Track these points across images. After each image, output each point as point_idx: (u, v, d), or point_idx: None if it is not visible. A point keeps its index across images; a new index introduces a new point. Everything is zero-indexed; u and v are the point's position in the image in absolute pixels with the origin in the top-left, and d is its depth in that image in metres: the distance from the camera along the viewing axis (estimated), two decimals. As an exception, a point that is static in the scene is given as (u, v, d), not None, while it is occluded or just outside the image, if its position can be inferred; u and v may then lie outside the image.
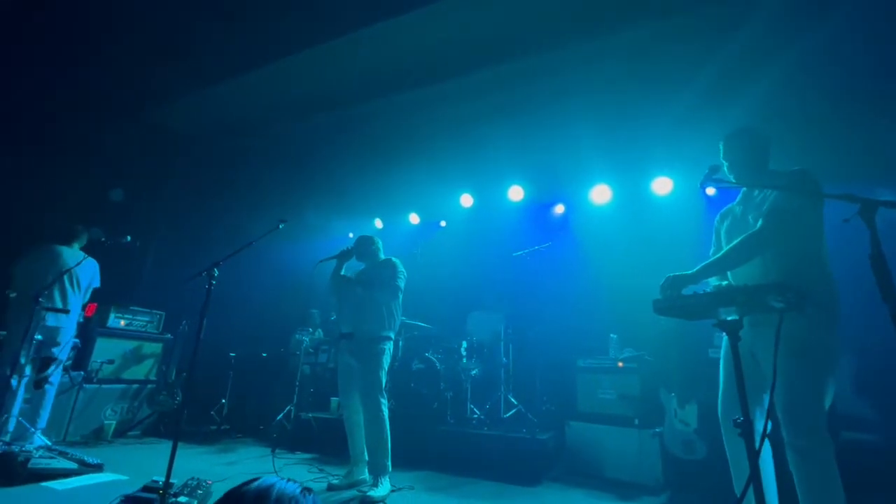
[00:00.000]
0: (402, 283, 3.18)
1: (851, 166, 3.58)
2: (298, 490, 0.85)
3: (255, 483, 0.85)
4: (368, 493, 2.71)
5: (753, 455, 1.43)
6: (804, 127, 3.65)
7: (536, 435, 3.46)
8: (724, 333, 1.57)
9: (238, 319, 5.91)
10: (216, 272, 2.41)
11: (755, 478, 1.40)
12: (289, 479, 0.87)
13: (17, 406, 3.45)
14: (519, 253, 4.66)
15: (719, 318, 1.59)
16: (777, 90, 3.65)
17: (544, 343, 4.43)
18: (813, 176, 1.77)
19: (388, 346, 3.10)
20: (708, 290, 1.66)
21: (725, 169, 2.02)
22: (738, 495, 1.49)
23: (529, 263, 4.58)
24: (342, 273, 3.27)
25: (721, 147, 2.05)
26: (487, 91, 4.57)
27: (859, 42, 3.35)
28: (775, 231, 1.73)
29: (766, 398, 1.76)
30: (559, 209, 5.45)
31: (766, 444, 1.71)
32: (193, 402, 4.99)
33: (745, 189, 2.04)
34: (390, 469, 2.90)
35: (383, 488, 2.79)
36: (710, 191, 4.38)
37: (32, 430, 3.45)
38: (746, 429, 1.46)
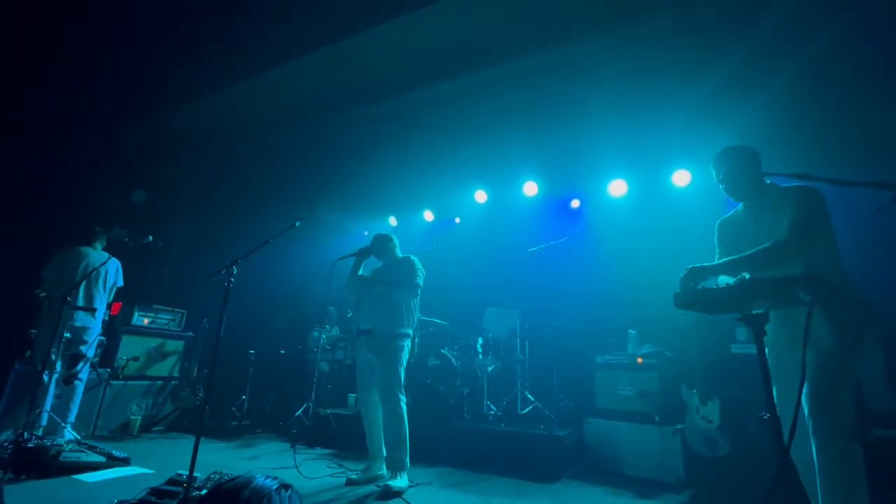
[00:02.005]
0: (421, 281, 3.19)
1: (871, 158, 3.45)
2: (275, 486, 0.86)
3: (235, 480, 0.86)
4: (387, 487, 2.73)
5: (782, 452, 1.39)
6: (821, 118, 3.54)
7: (554, 432, 3.43)
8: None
9: (257, 317, 6.02)
10: (235, 270, 2.45)
11: (783, 475, 1.37)
12: (268, 477, 0.87)
13: (49, 402, 3.59)
14: (534, 249, 4.62)
15: (744, 313, 1.55)
16: (797, 83, 3.54)
17: (561, 339, 4.38)
18: (821, 193, 1.85)
19: (407, 343, 3.12)
20: (723, 284, 1.63)
21: (723, 189, 2.06)
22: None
23: (545, 259, 4.54)
24: (360, 272, 3.30)
25: (714, 170, 2.07)
26: (501, 86, 4.53)
27: (881, 33, 3.22)
28: (801, 242, 1.78)
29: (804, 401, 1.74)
30: (575, 204, 5.38)
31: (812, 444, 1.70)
32: (215, 399, 5.10)
33: (744, 203, 2.08)
34: (408, 465, 2.92)
35: (401, 483, 2.81)
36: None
37: (63, 424, 3.58)
38: (775, 426, 1.43)
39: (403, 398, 3.00)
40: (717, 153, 2.05)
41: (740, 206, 2.12)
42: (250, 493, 0.83)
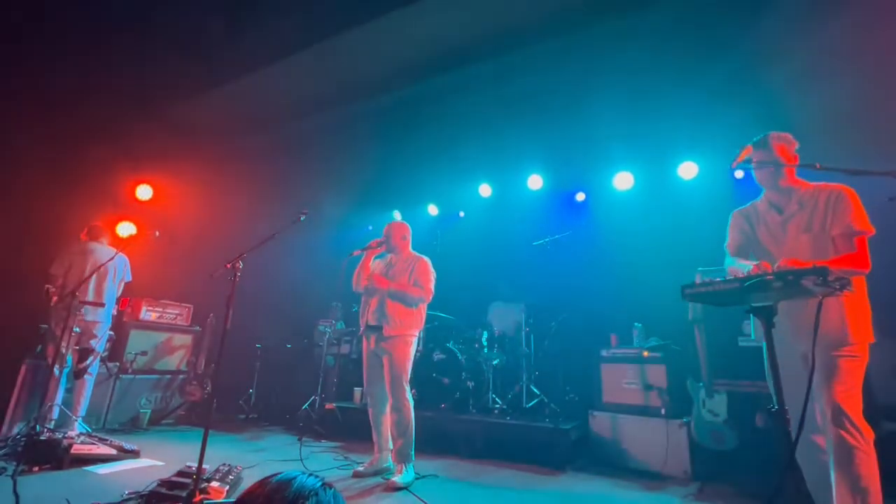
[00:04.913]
0: (434, 286, 3.20)
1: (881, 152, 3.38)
2: (319, 484, 0.86)
3: (278, 476, 0.86)
4: (393, 479, 2.76)
5: (789, 444, 1.38)
6: (829, 110, 3.47)
7: (559, 424, 3.44)
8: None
9: (263, 312, 6.05)
10: (241, 265, 2.46)
11: (790, 468, 1.37)
12: (311, 474, 0.88)
13: (60, 395, 3.64)
14: (539, 242, 4.61)
15: (752, 305, 1.54)
16: (806, 74, 3.47)
17: (566, 333, 4.38)
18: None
19: (415, 340, 3.14)
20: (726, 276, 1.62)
21: (754, 174, 2.01)
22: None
23: (550, 253, 4.52)
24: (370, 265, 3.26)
25: (755, 150, 1.99)
26: (505, 78, 4.49)
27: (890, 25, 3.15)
28: (866, 254, 1.76)
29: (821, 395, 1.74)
30: (580, 197, 5.34)
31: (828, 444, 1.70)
32: (222, 392, 5.14)
33: (769, 194, 2.04)
34: (414, 458, 2.94)
35: (408, 475, 2.83)
36: (739, 174, 4.23)
37: (74, 417, 3.63)
38: (781, 418, 1.42)
39: (410, 392, 3.01)
40: (762, 137, 1.97)
41: (759, 197, 2.10)
42: (295, 490, 0.83)
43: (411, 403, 2.98)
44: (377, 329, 3.08)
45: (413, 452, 2.93)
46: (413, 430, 2.94)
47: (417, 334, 3.18)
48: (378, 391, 3.10)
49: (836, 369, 1.69)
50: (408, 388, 3.00)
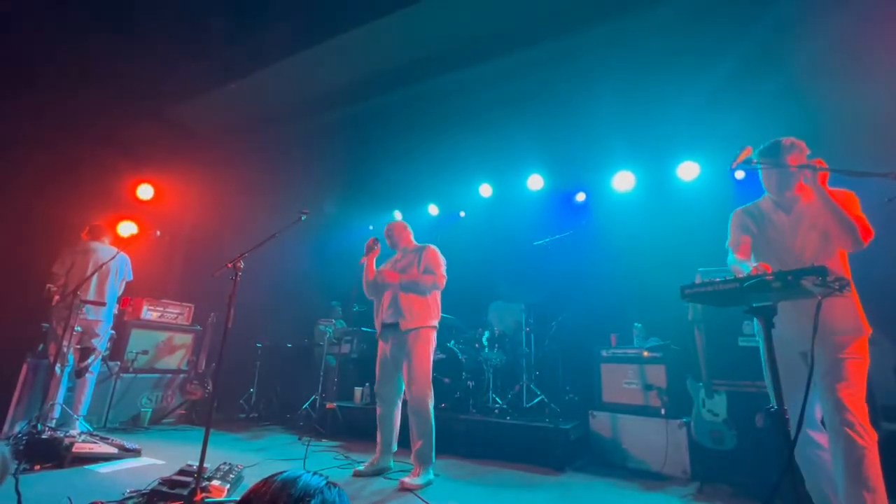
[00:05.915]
0: (445, 271, 3.15)
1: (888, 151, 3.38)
2: (323, 483, 0.86)
3: (282, 475, 0.86)
4: (408, 479, 2.72)
5: (788, 445, 1.38)
6: (831, 109, 3.47)
7: (559, 424, 3.44)
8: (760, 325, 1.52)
9: (263, 311, 6.06)
10: (242, 264, 2.47)
11: (789, 468, 1.37)
12: (315, 473, 0.88)
13: (62, 394, 3.65)
14: (540, 242, 4.61)
15: (752, 305, 1.54)
16: (808, 72, 3.47)
17: (567, 333, 4.38)
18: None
19: (434, 336, 3.07)
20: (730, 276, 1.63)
21: (762, 179, 2.03)
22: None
23: (551, 253, 4.53)
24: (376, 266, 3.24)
25: (761, 156, 1.97)
26: (505, 79, 4.49)
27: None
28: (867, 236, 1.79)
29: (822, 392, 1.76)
30: (580, 197, 5.34)
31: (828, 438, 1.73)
32: (223, 392, 5.15)
33: (775, 195, 2.05)
34: (434, 460, 2.89)
35: (425, 477, 2.78)
36: (740, 174, 4.23)
37: (75, 416, 3.65)
38: (780, 418, 1.42)
39: (432, 394, 2.94)
40: (771, 144, 1.94)
41: (761, 197, 2.10)
42: (300, 488, 0.83)
43: (432, 405, 2.92)
44: (393, 327, 3.01)
45: (433, 455, 2.88)
46: (433, 433, 2.88)
47: (436, 326, 3.09)
48: (388, 392, 3.07)
49: (844, 371, 1.71)
50: (430, 391, 2.92)
